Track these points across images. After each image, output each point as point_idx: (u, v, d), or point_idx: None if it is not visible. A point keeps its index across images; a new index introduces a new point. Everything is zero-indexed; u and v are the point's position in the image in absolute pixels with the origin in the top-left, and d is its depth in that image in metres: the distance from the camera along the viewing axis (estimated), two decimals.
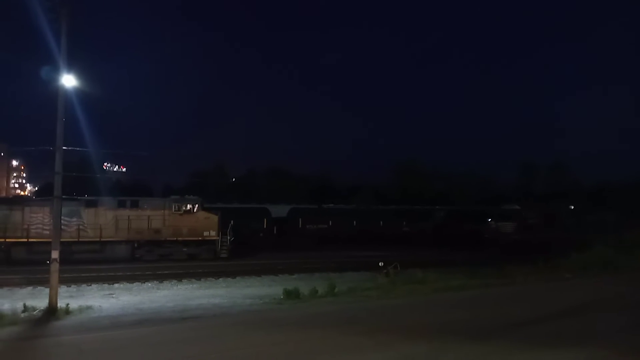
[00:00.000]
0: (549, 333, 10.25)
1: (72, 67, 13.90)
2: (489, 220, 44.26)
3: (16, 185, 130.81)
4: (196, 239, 29.04)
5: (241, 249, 31.52)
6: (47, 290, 13.83)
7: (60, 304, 13.16)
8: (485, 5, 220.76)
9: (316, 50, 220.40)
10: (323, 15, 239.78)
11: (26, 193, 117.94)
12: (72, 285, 19.19)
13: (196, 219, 29.24)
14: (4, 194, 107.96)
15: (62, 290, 16.12)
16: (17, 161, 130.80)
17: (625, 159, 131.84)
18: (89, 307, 13.61)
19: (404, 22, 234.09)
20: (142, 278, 21.52)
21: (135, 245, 28.23)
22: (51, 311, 12.77)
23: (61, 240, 14.92)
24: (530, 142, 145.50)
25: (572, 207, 54.48)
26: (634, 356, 8.75)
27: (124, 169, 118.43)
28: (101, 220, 27.76)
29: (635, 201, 51.30)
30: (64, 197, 16.34)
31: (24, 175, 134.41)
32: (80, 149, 19.05)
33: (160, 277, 21.73)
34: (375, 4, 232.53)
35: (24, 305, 13.13)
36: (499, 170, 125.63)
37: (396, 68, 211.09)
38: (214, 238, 29.22)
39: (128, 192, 50.76)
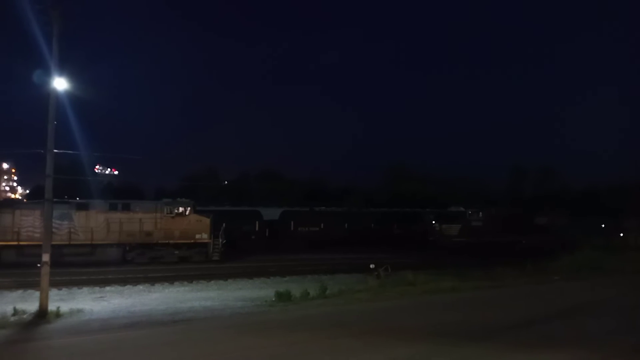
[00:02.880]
0: (540, 335, 10.39)
1: (63, 70, 13.93)
2: (433, 222, 43.69)
3: (7, 188, 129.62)
4: (188, 241, 28.99)
5: (233, 252, 31.51)
6: (37, 293, 13.76)
7: (51, 307, 13.13)
8: (477, 8, 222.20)
9: (309, 52, 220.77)
10: (315, 18, 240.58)
11: (17, 196, 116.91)
12: (63, 288, 19.11)
13: (188, 222, 29.20)
14: None
15: (53, 293, 16.08)
16: (7, 164, 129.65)
17: (615, 160, 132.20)
18: (79, 310, 13.60)
19: (395, 25, 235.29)
20: (134, 281, 21.45)
21: (127, 248, 28.11)
22: (42, 314, 12.74)
23: (52, 243, 14.87)
24: (522, 145, 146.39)
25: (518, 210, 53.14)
26: (619, 358, 8.94)
27: (116, 172, 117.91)
28: (92, 223, 27.63)
29: (623, 203, 51.93)
30: (55, 200, 16.29)
31: (15, 178, 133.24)
32: (71, 151, 19.07)
33: (152, 280, 21.66)
34: (371, 7, 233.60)
35: (14, 309, 13.07)
36: (492, 174, 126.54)
37: (389, 71, 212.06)
38: (206, 241, 29.19)
39: (120, 195, 50.47)
